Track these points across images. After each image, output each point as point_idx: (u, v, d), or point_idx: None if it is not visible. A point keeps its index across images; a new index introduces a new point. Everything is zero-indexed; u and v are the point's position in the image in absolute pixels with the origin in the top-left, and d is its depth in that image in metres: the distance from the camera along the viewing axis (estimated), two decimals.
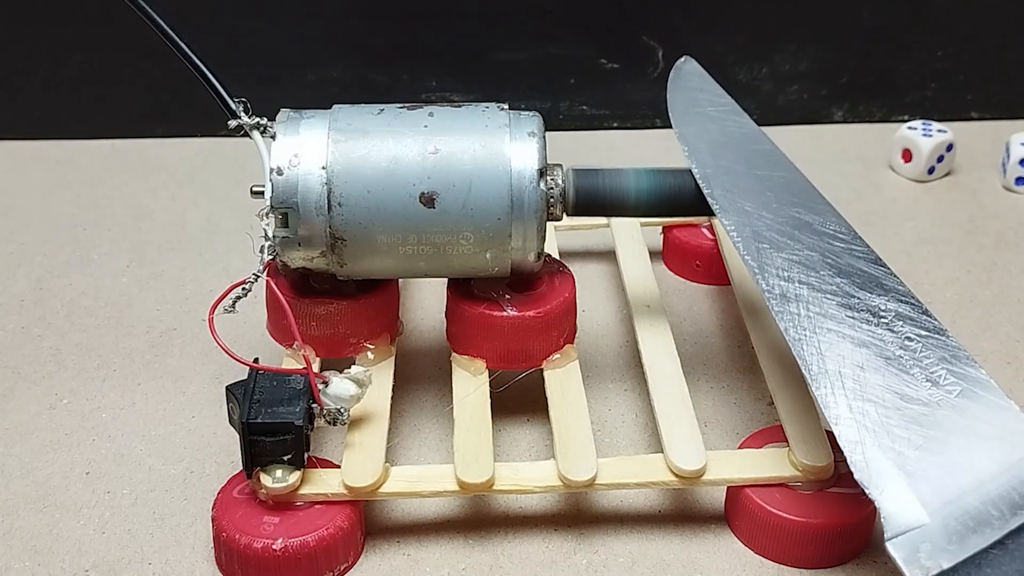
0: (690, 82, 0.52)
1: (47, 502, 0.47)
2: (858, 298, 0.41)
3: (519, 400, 0.50)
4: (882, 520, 0.35)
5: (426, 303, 0.59)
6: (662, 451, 0.44)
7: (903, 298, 0.42)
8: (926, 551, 0.34)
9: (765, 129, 0.65)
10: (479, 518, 0.46)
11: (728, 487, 0.45)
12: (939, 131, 0.71)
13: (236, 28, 0.75)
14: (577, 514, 0.47)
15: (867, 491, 0.36)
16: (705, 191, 0.45)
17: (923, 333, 0.40)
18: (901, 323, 0.41)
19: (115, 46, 0.74)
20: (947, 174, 0.72)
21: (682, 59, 0.54)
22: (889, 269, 0.43)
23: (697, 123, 0.49)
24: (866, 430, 0.37)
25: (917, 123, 0.72)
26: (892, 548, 0.34)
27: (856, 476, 0.36)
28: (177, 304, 0.60)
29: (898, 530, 0.35)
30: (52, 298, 0.61)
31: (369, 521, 0.46)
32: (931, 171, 0.71)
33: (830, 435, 0.45)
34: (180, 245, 0.65)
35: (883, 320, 0.41)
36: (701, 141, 0.48)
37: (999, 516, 0.34)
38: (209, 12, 0.74)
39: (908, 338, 0.40)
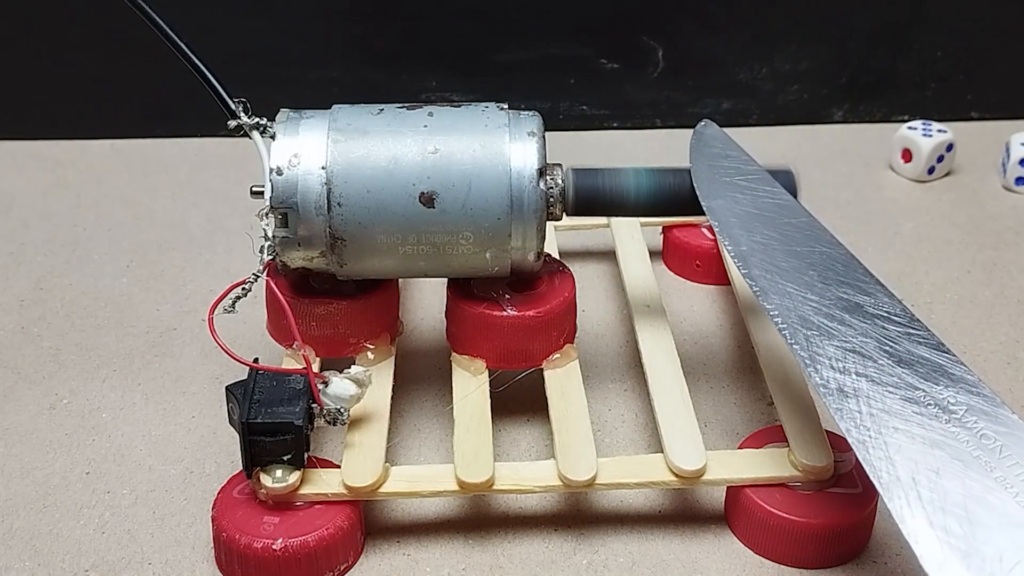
0: (713, 148, 0.48)
1: (47, 502, 0.47)
2: (923, 390, 0.38)
3: (519, 400, 0.50)
4: None
5: (426, 303, 0.59)
6: (662, 451, 0.44)
7: (973, 388, 0.38)
8: None
9: (765, 129, 0.65)
10: (479, 518, 0.46)
11: (728, 487, 0.45)
12: (939, 131, 0.71)
13: (236, 28, 0.75)
14: (577, 514, 0.47)
15: None
16: (740, 271, 0.43)
17: (1002, 429, 0.36)
18: (975, 418, 0.37)
19: (115, 46, 0.74)
20: (947, 174, 0.72)
21: (702, 123, 0.51)
22: (954, 356, 0.39)
23: (726, 195, 0.46)
24: (949, 547, 0.33)
25: (917, 123, 0.72)
26: None
27: None
28: (177, 304, 0.60)
29: None
30: (52, 298, 0.61)
31: (369, 521, 0.46)
32: (931, 171, 0.71)
33: (830, 435, 0.45)
34: (180, 245, 0.66)
35: (955, 416, 0.37)
36: (732, 215, 0.45)
37: None
38: (209, 12, 0.74)
39: (984, 435, 0.36)
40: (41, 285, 0.62)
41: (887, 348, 0.39)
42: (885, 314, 0.41)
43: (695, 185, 0.46)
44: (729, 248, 0.44)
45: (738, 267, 0.43)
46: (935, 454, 0.36)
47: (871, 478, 0.36)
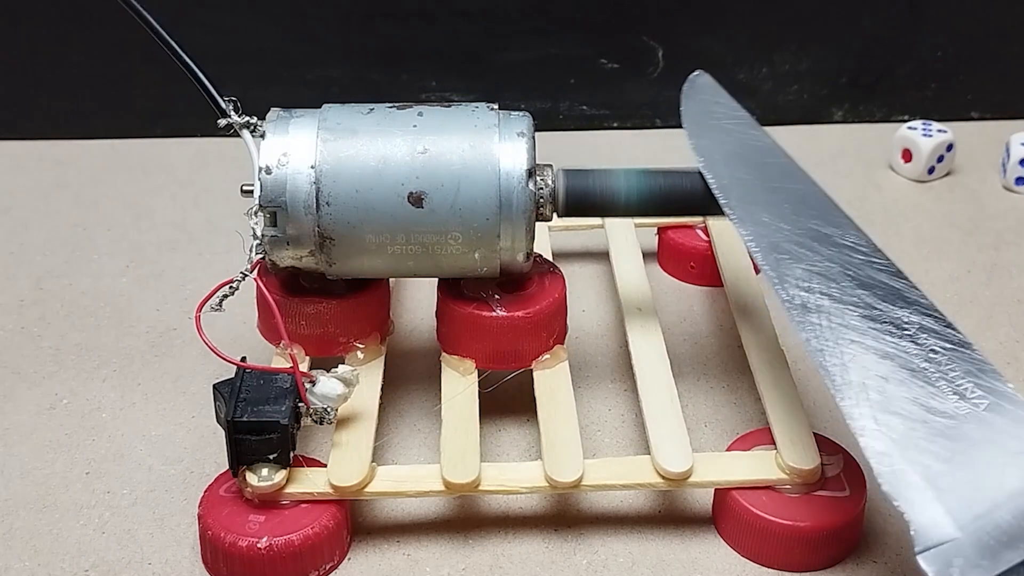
0: (704, 94, 0.51)
1: (47, 502, 0.47)
2: (880, 310, 0.40)
3: (508, 400, 0.50)
4: (912, 534, 0.34)
5: (418, 303, 0.59)
6: (649, 453, 0.44)
7: (926, 311, 0.41)
8: (959, 566, 0.33)
9: (765, 129, 0.64)
10: (479, 518, 0.46)
11: (716, 490, 0.45)
12: (939, 131, 0.71)
13: (236, 28, 0.75)
14: (577, 514, 0.47)
15: (895, 504, 0.35)
16: (721, 201, 0.45)
17: (948, 346, 0.39)
18: (925, 336, 0.40)
19: (115, 46, 0.74)
20: (947, 174, 0.72)
21: (696, 73, 0.54)
22: (910, 282, 0.42)
23: (712, 135, 0.49)
24: (892, 442, 0.36)
25: (917, 123, 0.72)
26: (923, 562, 0.33)
27: (883, 488, 0.35)
28: (177, 304, 0.60)
29: (928, 543, 0.34)
30: (52, 298, 0.61)
31: (369, 521, 0.46)
32: (931, 171, 0.71)
33: (818, 437, 0.45)
34: (180, 245, 0.66)
35: (907, 332, 0.40)
36: (716, 153, 0.47)
37: None
38: (209, 12, 0.74)
39: (933, 351, 0.39)
40: (41, 285, 0.62)
41: (850, 273, 0.42)
42: (851, 244, 0.44)
43: (684, 124, 0.49)
44: (712, 181, 0.46)
45: (719, 198, 0.45)
46: (886, 364, 0.38)
47: (825, 382, 0.38)
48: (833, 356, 0.39)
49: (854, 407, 0.37)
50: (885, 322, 0.40)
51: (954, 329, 0.40)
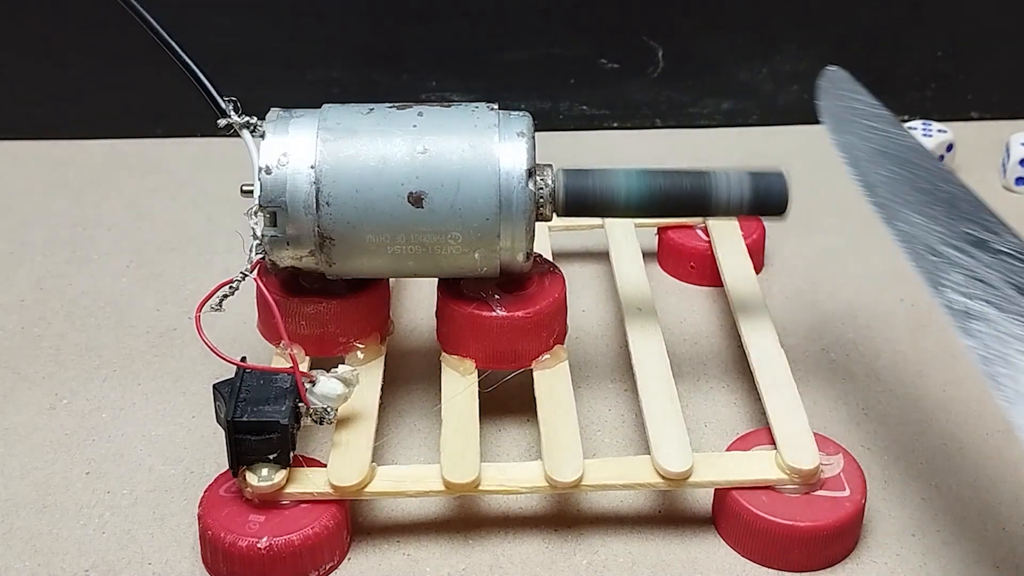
0: (843, 89, 0.50)
1: (47, 502, 0.47)
2: None
3: (508, 400, 0.50)
4: None
5: (418, 302, 0.59)
6: (649, 453, 0.44)
7: None
8: None
9: (765, 129, 0.65)
10: (479, 518, 0.46)
11: (715, 490, 0.45)
12: (939, 131, 0.71)
13: (236, 28, 0.75)
14: (577, 514, 0.47)
15: None
16: (869, 199, 0.43)
17: None
18: None
19: (115, 46, 0.74)
20: None
21: (832, 67, 0.52)
22: None
23: (855, 132, 0.47)
24: None
25: (917, 123, 0.72)
26: None
27: None
28: (177, 304, 0.60)
29: None
30: (52, 298, 0.61)
31: (369, 520, 0.46)
32: None
33: (817, 437, 0.45)
34: (180, 245, 0.66)
35: None
36: (859, 150, 0.46)
37: None
38: (209, 12, 0.74)
39: None
40: (41, 285, 0.62)
41: (1012, 281, 0.40)
42: (1011, 251, 0.41)
43: (824, 120, 0.48)
44: (858, 178, 0.44)
45: (866, 196, 0.44)
46: None
47: (993, 392, 0.36)
48: (1002, 366, 0.36)
49: None
50: None
51: None
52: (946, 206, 0.43)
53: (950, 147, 0.71)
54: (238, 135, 0.46)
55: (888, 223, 0.42)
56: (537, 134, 0.46)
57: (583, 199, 0.47)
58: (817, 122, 0.78)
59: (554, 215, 0.47)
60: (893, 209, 0.43)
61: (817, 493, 0.44)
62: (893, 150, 0.47)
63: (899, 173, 0.45)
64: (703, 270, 0.60)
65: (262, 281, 0.44)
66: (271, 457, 0.42)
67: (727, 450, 0.46)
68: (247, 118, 0.46)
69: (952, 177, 0.46)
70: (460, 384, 0.47)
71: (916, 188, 0.44)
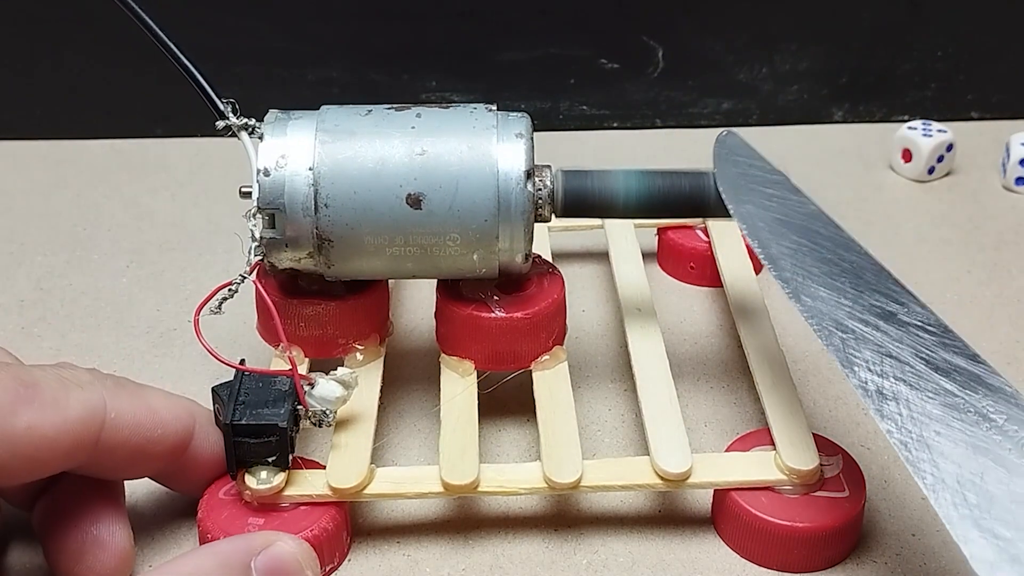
0: (738, 156, 0.49)
1: None
2: (962, 398, 0.38)
3: (507, 401, 0.50)
4: None
5: (418, 304, 0.59)
6: (648, 454, 0.44)
7: (1012, 399, 0.38)
8: None
9: (765, 129, 0.65)
10: (479, 519, 0.46)
11: (714, 491, 0.45)
12: (939, 131, 0.71)
13: (236, 28, 0.75)
14: (577, 514, 0.47)
15: None
16: (772, 273, 0.43)
17: None
18: (1016, 427, 0.37)
19: (115, 46, 0.74)
20: (947, 174, 0.72)
21: (723, 132, 0.50)
22: (989, 366, 0.39)
23: (754, 200, 0.46)
24: (999, 550, 0.33)
25: (917, 123, 0.72)
26: None
27: None
28: (177, 304, 0.60)
29: None
30: (52, 298, 0.61)
31: (368, 522, 0.46)
32: (931, 171, 0.71)
33: (817, 438, 0.45)
34: (180, 245, 0.66)
35: (995, 424, 0.37)
36: (760, 220, 0.45)
37: None
38: (209, 12, 0.74)
39: None
40: (41, 285, 0.62)
41: (923, 356, 0.39)
42: (919, 323, 0.41)
43: (721, 191, 0.46)
44: (759, 251, 0.44)
45: (769, 270, 0.43)
46: (978, 459, 0.36)
47: (916, 479, 0.36)
48: (920, 450, 0.36)
49: (951, 510, 0.35)
50: (970, 412, 0.37)
51: None
52: (851, 277, 0.43)
53: (950, 147, 0.71)
54: (236, 137, 0.46)
55: (794, 299, 0.42)
56: (537, 134, 0.46)
57: (582, 200, 0.47)
58: (817, 122, 0.79)
59: (553, 216, 0.47)
60: (798, 283, 0.42)
61: (817, 494, 0.44)
62: (794, 219, 0.46)
63: (802, 244, 0.44)
64: (703, 270, 0.60)
65: (261, 283, 0.44)
66: (270, 460, 0.42)
67: (726, 451, 0.46)
68: (245, 120, 0.46)
69: (854, 245, 0.45)
70: (459, 385, 0.47)
71: (820, 259, 0.44)
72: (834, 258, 0.44)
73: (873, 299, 0.42)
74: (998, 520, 0.34)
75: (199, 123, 0.75)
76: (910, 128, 0.71)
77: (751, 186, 0.47)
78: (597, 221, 0.59)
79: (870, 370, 0.39)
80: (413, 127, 0.45)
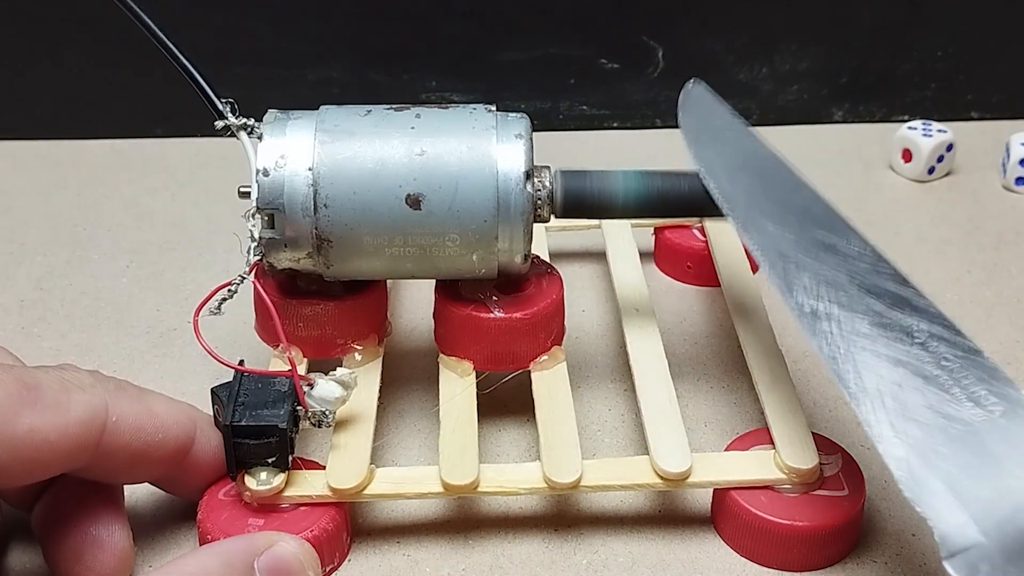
0: (701, 104, 0.52)
1: None
2: (890, 318, 0.41)
3: (507, 401, 0.50)
4: (937, 540, 0.34)
5: (417, 304, 0.59)
6: (648, 453, 0.44)
7: (935, 319, 0.41)
8: (986, 571, 0.33)
9: (765, 129, 0.64)
10: (479, 519, 0.46)
11: (714, 490, 0.45)
12: (939, 131, 0.71)
13: (236, 28, 0.75)
14: (577, 514, 0.47)
15: (917, 510, 0.35)
16: (725, 211, 0.45)
17: (959, 353, 0.39)
18: (936, 343, 0.40)
19: (115, 46, 0.74)
20: (947, 174, 0.72)
21: (690, 82, 0.53)
22: (917, 290, 0.42)
23: (712, 146, 0.49)
24: (911, 448, 0.36)
25: (917, 123, 0.72)
26: (951, 567, 0.33)
27: (905, 494, 0.35)
28: (177, 304, 0.60)
29: (955, 549, 0.34)
30: (52, 298, 0.61)
31: (368, 522, 0.46)
32: (931, 171, 0.71)
33: (816, 437, 0.45)
34: (180, 245, 0.66)
35: (917, 340, 0.40)
36: (717, 164, 0.47)
37: None
38: (209, 12, 0.74)
39: (945, 358, 0.39)
40: (41, 285, 0.62)
41: (857, 281, 0.42)
42: (856, 253, 0.44)
43: (683, 135, 0.49)
44: (716, 192, 0.46)
45: (724, 208, 0.45)
46: (899, 371, 0.39)
47: (840, 389, 0.38)
48: (846, 363, 0.39)
49: (870, 414, 0.37)
50: (895, 329, 0.40)
51: (964, 336, 0.40)
52: (799, 214, 0.45)
53: (950, 147, 0.71)
54: (235, 137, 0.46)
55: (744, 233, 0.44)
56: (537, 134, 0.47)
57: (581, 200, 0.47)
58: (817, 122, 0.79)
59: (552, 216, 0.47)
60: (748, 219, 0.44)
61: (816, 492, 0.44)
62: (750, 163, 0.48)
63: (755, 185, 0.47)
64: (700, 270, 0.60)
65: (260, 283, 0.44)
66: (270, 461, 0.42)
67: (725, 450, 0.46)
68: (244, 120, 0.46)
69: (805, 187, 0.47)
70: (458, 385, 0.47)
71: (771, 199, 0.46)
72: (784, 198, 0.46)
73: (816, 233, 0.44)
74: (912, 422, 0.37)
75: (199, 123, 0.75)
76: (910, 128, 0.71)
77: (712, 133, 0.50)
78: (594, 221, 0.60)
79: (806, 294, 0.41)
80: (412, 127, 0.45)
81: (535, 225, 0.46)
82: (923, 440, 0.36)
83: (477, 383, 0.48)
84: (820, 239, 0.44)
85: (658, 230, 0.62)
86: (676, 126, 0.50)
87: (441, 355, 0.49)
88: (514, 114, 0.46)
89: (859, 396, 0.38)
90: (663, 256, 0.62)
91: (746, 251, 0.57)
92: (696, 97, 0.52)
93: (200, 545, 0.44)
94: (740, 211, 0.45)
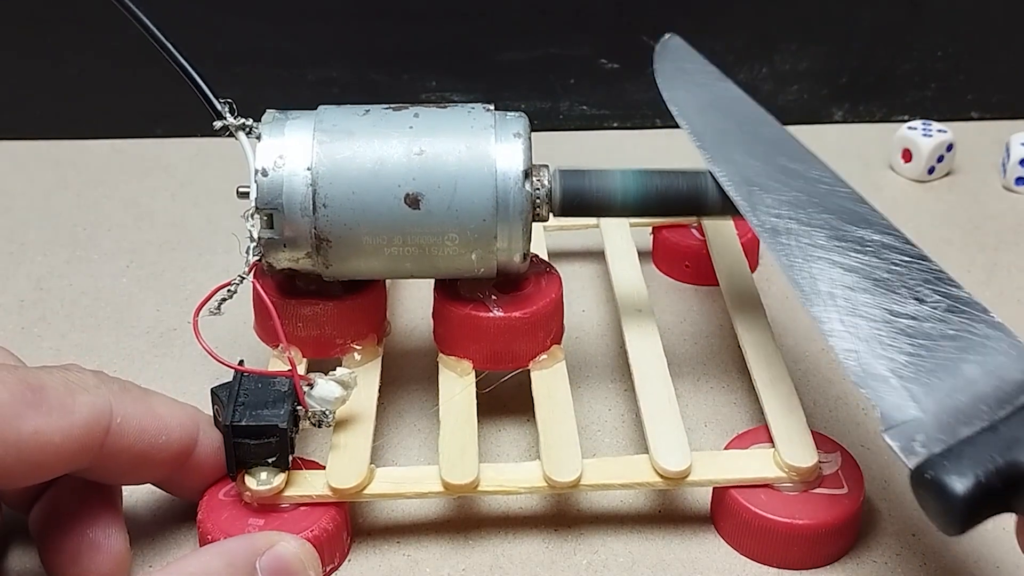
0: (677, 54, 0.55)
1: None
2: (844, 231, 0.44)
3: (507, 401, 0.50)
4: (878, 415, 0.37)
5: (416, 303, 0.59)
6: (647, 452, 0.44)
7: (887, 231, 0.44)
8: (920, 440, 0.36)
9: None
10: (479, 518, 0.46)
11: (713, 488, 0.45)
12: (939, 131, 0.71)
13: (236, 28, 0.75)
14: (577, 514, 0.47)
15: (862, 392, 0.38)
16: (696, 144, 0.48)
17: (907, 259, 0.42)
18: (887, 252, 0.43)
19: (115, 46, 0.74)
20: (947, 174, 0.72)
21: (667, 35, 0.57)
22: (872, 207, 0.45)
23: (685, 88, 0.52)
24: (859, 340, 0.39)
25: (917, 123, 0.72)
26: (889, 437, 0.36)
27: (852, 380, 0.38)
28: (177, 304, 0.60)
29: (894, 423, 0.37)
30: (52, 298, 0.61)
31: (368, 522, 0.46)
32: (931, 171, 0.71)
33: (815, 435, 0.45)
34: (180, 245, 0.66)
35: (869, 249, 0.43)
36: (689, 104, 0.51)
37: (987, 410, 0.36)
38: (209, 12, 0.74)
39: (894, 263, 0.42)
40: (41, 285, 0.62)
41: (816, 200, 0.45)
42: (816, 177, 0.47)
43: (657, 80, 0.53)
44: (686, 127, 0.50)
45: (693, 142, 0.49)
46: (851, 276, 0.42)
47: (796, 292, 0.41)
48: (802, 271, 0.42)
49: (822, 312, 0.40)
50: (850, 241, 0.43)
51: (913, 245, 0.43)
52: (766, 146, 0.49)
53: (950, 147, 0.71)
54: (234, 137, 0.46)
55: (713, 164, 0.47)
56: (537, 134, 0.47)
57: (580, 199, 0.47)
58: (817, 122, 0.79)
59: (551, 216, 0.47)
60: (718, 151, 0.48)
61: (815, 491, 0.44)
62: (720, 103, 0.52)
63: (725, 121, 0.51)
64: (698, 269, 0.60)
65: (259, 283, 0.44)
66: (270, 461, 0.42)
67: (725, 448, 0.46)
68: (243, 120, 0.46)
69: (774, 122, 0.51)
70: (458, 385, 0.47)
71: (739, 132, 0.50)
72: (752, 131, 0.50)
73: (780, 160, 0.48)
74: (860, 318, 0.40)
75: (199, 123, 0.74)
76: (910, 128, 0.71)
77: (684, 76, 0.53)
78: (592, 220, 0.60)
79: (768, 213, 0.44)
80: (411, 127, 0.45)
81: (534, 224, 0.46)
82: (870, 333, 0.39)
83: (477, 382, 0.48)
84: (784, 165, 0.47)
85: (656, 229, 0.62)
86: (677, 126, 0.50)
87: (440, 355, 0.49)
88: (512, 113, 0.46)
89: (812, 297, 0.41)
90: (661, 255, 0.62)
91: (745, 249, 0.57)
92: (672, 47, 0.55)
93: (200, 545, 0.44)
94: (709, 144, 0.48)
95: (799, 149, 0.49)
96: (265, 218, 0.44)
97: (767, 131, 0.51)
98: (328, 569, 0.44)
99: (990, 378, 0.37)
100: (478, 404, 0.47)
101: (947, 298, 0.41)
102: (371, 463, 0.44)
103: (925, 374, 0.38)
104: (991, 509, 0.34)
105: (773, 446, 0.44)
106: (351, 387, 0.44)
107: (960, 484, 0.34)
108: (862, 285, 0.41)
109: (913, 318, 0.40)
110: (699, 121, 0.50)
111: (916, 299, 0.41)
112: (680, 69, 0.54)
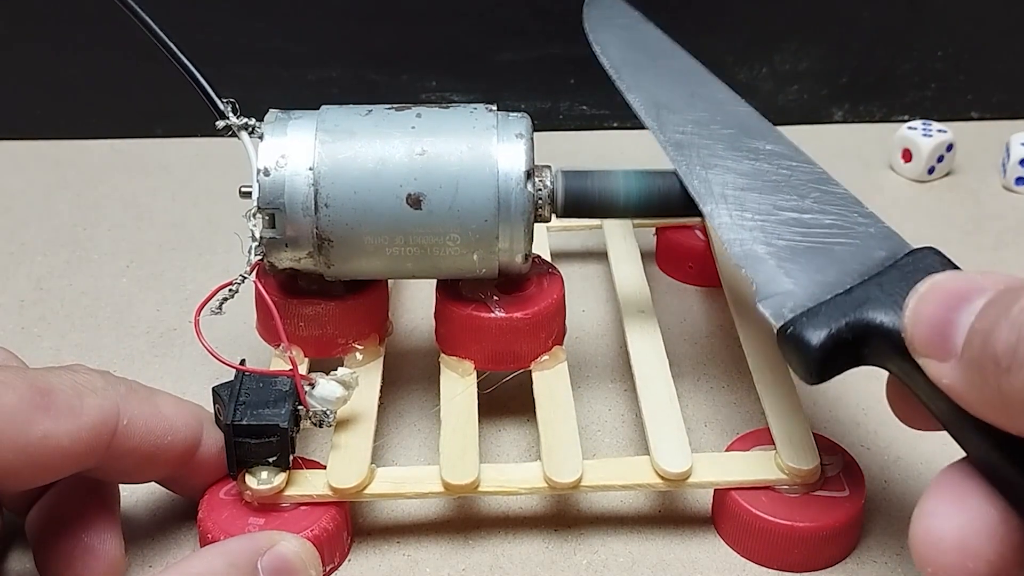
0: (609, 8, 0.58)
1: None
2: (741, 143, 0.47)
3: (508, 401, 0.50)
4: (753, 288, 0.41)
5: (417, 303, 0.59)
6: (648, 453, 0.44)
7: (780, 141, 0.48)
8: (790, 307, 0.39)
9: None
10: (479, 518, 0.46)
11: (715, 490, 0.45)
12: (939, 131, 0.71)
13: (236, 28, 0.75)
14: (577, 514, 0.47)
15: (742, 271, 0.42)
16: (613, 76, 0.52)
17: (795, 164, 0.46)
18: (779, 159, 0.46)
19: (115, 46, 0.74)
20: (947, 174, 0.72)
21: None
22: (771, 124, 0.49)
23: (610, 30, 0.55)
24: (745, 230, 0.43)
25: (917, 123, 0.72)
26: (762, 307, 0.40)
27: (735, 263, 0.42)
28: (177, 304, 0.60)
29: (767, 295, 0.40)
30: (52, 298, 0.61)
31: (369, 521, 0.46)
32: (931, 171, 0.71)
33: (817, 437, 0.45)
34: (180, 245, 0.66)
35: (763, 156, 0.46)
36: (611, 43, 0.54)
37: (851, 280, 0.39)
38: (209, 12, 0.74)
39: (783, 168, 0.46)
40: (41, 285, 0.62)
41: (719, 118, 0.49)
42: (720, 99, 0.51)
43: (586, 26, 0.55)
44: (607, 64, 0.53)
45: (612, 77, 0.52)
46: (742, 180, 0.45)
47: (693, 196, 0.45)
48: (698, 178, 0.46)
49: (713, 208, 0.44)
50: (745, 151, 0.47)
51: (802, 153, 0.47)
52: (678, 76, 0.53)
53: (950, 147, 0.71)
54: (236, 136, 0.46)
55: (627, 92, 0.51)
56: (537, 134, 0.46)
57: (582, 200, 0.47)
58: (817, 122, 0.78)
59: (553, 216, 0.47)
60: (632, 81, 0.51)
61: (817, 493, 0.44)
62: (641, 41, 0.56)
63: (642, 57, 0.54)
64: (701, 270, 0.60)
65: (261, 283, 0.44)
66: (271, 460, 0.42)
67: (726, 450, 0.46)
68: (245, 119, 0.46)
69: (690, 59, 0.54)
70: (459, 385, 0.47)
71: (655, 66, 0.53)
72: (667, 64, 0.54)
73: (690, 88, 0.52)
74: (747, 211, 0.44)
75: (199, 123, 0.75)
76: (910, 128, 0.71)
77: (609, 22, 0.56)
78: (596, 221, 0.60)
79: (675, 131, 0.48)
80: (413, 127, 0.45)
81: (536, 225, 0.46)
82: (755, 224, 0.43)
83: (478, 383, 0.48)
84: (693, 90, 0.51)
85: (660, 230, 0.62)
86: None
87: (442, 355, 0.49)
88: (515, 114, 0.46)
89: (705, 197, 0.45)
90: (665, 256, 0.62)
91: None
92: (605, 3, 0.58)
93: (200, 544, 0.44)
94: (626, 76, 0.52)
95: (710, 78, 0.53)
96: (267, 218, 0.44)
97: (679, 63, 0.54)
98: (328, 569, 0.44)
99: (857, 255, 0.41)
100: (479, 404, 0.47)
101: (826, 195, 0.44)
102: (372, 463, 0.44)
103: (800, 254, 0.41)
104: (844, 360, 0.38)
105: (774, 448, 0.44)
106: (352, 387, 0.44)
107: (815, 336, 0.37)
108: (752, 186, 0.45)
109: (796, 211, 0.44)
110: (617, 57, 0.53)
111: (799, 196, 0.44)
112: (604, 17, 0.57)
